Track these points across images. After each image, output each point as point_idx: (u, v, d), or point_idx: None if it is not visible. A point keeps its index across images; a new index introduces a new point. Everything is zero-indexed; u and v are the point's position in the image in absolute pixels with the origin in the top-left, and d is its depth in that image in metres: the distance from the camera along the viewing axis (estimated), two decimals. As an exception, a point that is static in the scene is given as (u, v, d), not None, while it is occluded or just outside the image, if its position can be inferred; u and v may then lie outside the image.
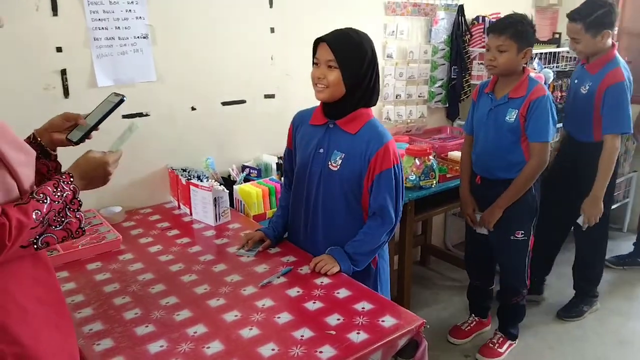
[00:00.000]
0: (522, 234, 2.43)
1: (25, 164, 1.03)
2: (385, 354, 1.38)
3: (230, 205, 2.21)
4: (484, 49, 3.27)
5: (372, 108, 1.78)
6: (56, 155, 1.28)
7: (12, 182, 0.99)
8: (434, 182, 2.62)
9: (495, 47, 2.23)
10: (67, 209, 1.08)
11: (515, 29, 2.20)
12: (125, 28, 2.12)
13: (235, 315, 1.47)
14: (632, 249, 3.60)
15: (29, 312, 1.03)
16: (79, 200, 1.11)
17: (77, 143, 1.24)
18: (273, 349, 1.32)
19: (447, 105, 3.45)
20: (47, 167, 1.26)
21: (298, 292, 1.60)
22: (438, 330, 2.84)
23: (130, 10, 2.11)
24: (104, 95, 1.34)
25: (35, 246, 1.02)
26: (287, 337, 1.37)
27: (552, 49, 3.48)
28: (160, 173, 2.38)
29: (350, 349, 1.32)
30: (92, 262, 1.82)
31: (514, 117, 2.28)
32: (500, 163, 2.37)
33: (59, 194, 1.06)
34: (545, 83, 2.86)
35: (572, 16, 2.56)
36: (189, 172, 2.29)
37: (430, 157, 2.60)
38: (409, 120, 3.27)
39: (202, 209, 2.16)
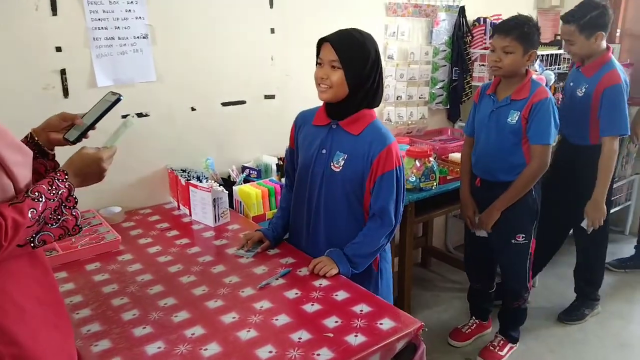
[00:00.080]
0: (523, 237, 2.42)
1: (22, 165, 1.03)
2: (383, 357, 1.37)
3: (229, 206, 2.20)
4: (485, 51, 3.29)
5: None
6: (54, 155, 1.28)
7: (8, 182, 0.99)
8: (435, 183, 2.61)
9: (501, 48, 2.22)
10: (63, 206, 1.08)
11: (521, 31, 2.19)
12: (125, 28, 2.11)
13: (233, 317, 1.46)
14: (633, 252, 3.59)
15: (27, 312, 1.03)
16: (75, 198, 1.11)
17: (74, 142, 1.23)
18: (270, 351, 1.31)
19: (448, 107, 3.45)
20: (44, 166, 1.26)
21: (296, 294, 1.59)
22: (438, 333, 2.83)
23: (130, 10, 2.11)
24: (103, 95, 1.34)
25: (32, 244, 1.01)
26: (285, 339, 1.36)
27: (554, 50, 3.47)
28: (160, 173, 2.38)
29: (348, 352, 1.31)
30: (91, 262, 1.82)
31: (516, 119, 2.27)
32: (501, 165, 2.36)
33: (54, 191, 1.05)
34: (546, 85, 2.84)
35: (566, 18, 2.58)
36: (188, 173, 2.29)
37: (431, 158, 2.60)
38: (409, 122, 3.26)
39: (202, 209, 2.15)
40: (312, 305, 1.53)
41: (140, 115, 2.24)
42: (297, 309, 1.51)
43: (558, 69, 3.47)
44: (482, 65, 3.32)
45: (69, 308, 1.49)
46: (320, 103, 1.79)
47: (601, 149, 2.54)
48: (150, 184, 2.36)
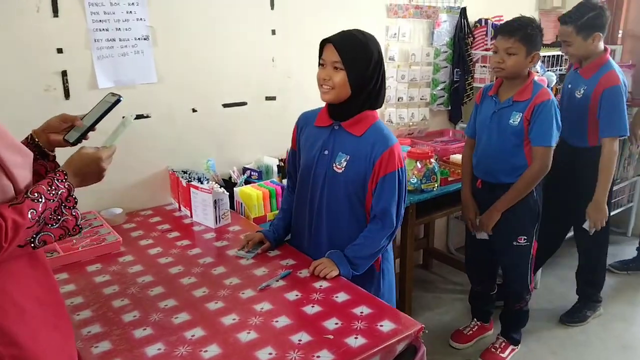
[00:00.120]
0: (524, 239, 2.41)
1: (22, 166, 1.03)
2: (384, 359, 1.37)
3: (230, 208, 2.20)
4: (486, 52, 3.28)
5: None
6: (54, 156, 1.28)
7: (8, 184, 0.99)
8: (436, 185, 2.61)
9: (504, 49, 2.21)
10: (62, 206, 1.08)
11: (525, 32, 2.18)
12: (126, 29, 2.12)
13: (234, 319, 1.46)
14: (635, 253, 3.58)
15: (27, 313, 1.03)
16: (75, 198, 1.11)
17: (74, 144, 1.23)
18: (270, 353, 1.31)
19: (450, 108, 3.44)
20: (45, 168, 1.26)
21: (297, 295, 1.59)
22: (440, 335, 2.82)
23: (131, 12, 2.11)
24: (103, 96, 1.34)
25: (32, 245, 1.02)
26: (285, 341, 1.36)
27: (556, 52, 3.46)
28: (161, 175, 2.38)
29: (348, 354, 1.31)
30: (92, 264, 1.82)
31: (518, 120, 2.26)
32: (502, 166, 2.35)
33: (53, 192, 1.05)
34: (548, 86, 2.84)
35: (564, 19, 2.58)
36: (189, 174, 2.29)
37: (432, 160, 2.59)
38: (410, 123, 3.26)
39: (202, 211, 2.15)
40: (313, 307, 1.53)
41: (141, 116, 2.25)
42: (297, 311, 1.51)
43: (560, 70, 3.46)
44: (484, 66, 3.31)
45: (69, 309, 1.49)
46: (322, 104, 1.79)
47: (600, 150, 2.54)
48: (151, 185, 2.36)
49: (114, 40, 2.10)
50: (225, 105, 2.49)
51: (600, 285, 2.98)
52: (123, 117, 1.28)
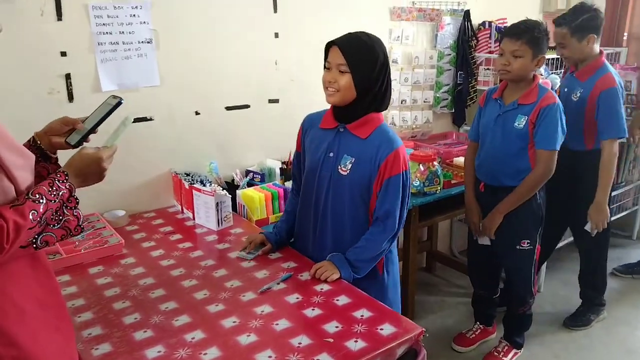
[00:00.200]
0: (527, 243, 2.40)
1: (23, 167, 1.04)
2: (384, 363, 1.37)
3: (233, 210, 2.21)
4: (490, 55, 3.28)
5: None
6: (56, 159, 1.29)
7: (9, 185, 1.00)
8: (439, 188, 2.61)
9: (511, 51, 2.21)
10: (64, 207, 1.09)
11: (532, 35, 2.18)
12: (130, 33, 2.13)
13: (234, 322, 1.46)
14: (640, 257, 3.56)
15: (27, 314, 1.04)
16: (76, 198, 1.12)
17: (75, 146, 1.24)
18: (270, 356, 1.31)
19: (453, 111, 3.43)
20: (47, 170, 1.27)
21: (297, 298, 1.59)
22: (443, 338, 2.81)
23: (134, 15, 2.12)
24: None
25: (34, 245, 1.03)
26: (285, 344, 1.36)
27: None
28: (164, 177, 2.39)
29: (348, 357, 1.31)
30: (94, 265, 1.83)
31: (523, 123, 2.25)
32: (505, 169, 2.34)
33: (54, 193, 1.06)
34: (551, 89, 2.83)
35: (558, 21, 2.59)
36: (192, 177, 2.30)
37: (435, 162, 2.59)
38: (414, 126, 3.26)
39: (205, 213, 2.16)
40: (313, 310, 1.53)
41: (144, 119, 2.26)
42: (297, 314, 1.51)
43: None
44: (487, 69, 3.31)
45: (71, 311, 1.50)
46: (325, 106, 1.79)
47: (597, 153, 2.54)
48: (154, 187, 2.37)
49: (117, 43, 2.11)
50: (228, 108, 2.49)
51: (602, 289, 2.97)
52: (126, 117, 1.29)
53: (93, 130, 1.26)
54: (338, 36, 1.67)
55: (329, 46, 1.69)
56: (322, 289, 1.64)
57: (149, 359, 1.31)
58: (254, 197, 2.24)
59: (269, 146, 2.64)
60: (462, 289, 3.33)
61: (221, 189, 2.19)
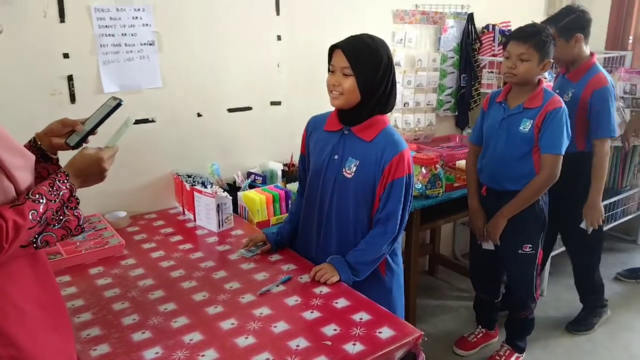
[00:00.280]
0: (530, 247, 2.39)
1: (23, 168, 1.04)
2: (382, 366, 1.36)
3: (234, 212, 2.21)
4: (494, 58, 3.27)
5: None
6: (57, 159, 1.29)
7: (9, 185, 1.01)
8: (441, 191, 2.60)
9: (517, 55, 2.20)
10: (64, 207, 1.09)
11: (539, 39, 2.17)
12: (132, 35, 2.13)
13: (232, 324, 1.46)
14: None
15: (26, 315, 1.04)
16: (77, 198, 1.12)
17: (75, 147, 1.25)
18: (267, 359, 1.31)
19: (456, 114, 3.43)
20: (47, 170, 1.27)
21: (296, 301, 1.59)
22: (444, 341, 2.80)
23: (136, 17, 2.13)
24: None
25: (34, 245, 1.03)
26: (283, 346, 1.36)
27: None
28: (166, 178, 2.39)
29: (346, 360, 1.31)
30: (95, 266, 1.83)
31: (529, 127, 2.24)
32: (508, 173, 2.33)
33: (55, 193, 1.07)
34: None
35: (545, 23, 2.58)
36: (193, 178, 2.30)
37: (437, 165, 2.58)
38: (417, 129, 3.25)
39: (206, 215, 2.16)
40: (312, 312, 1.52)
41: (146, 121, 2.26)
42: (296, 316, 1.51)
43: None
44: (491, 72, 3.30)
45: (70, 311, 1.50)
46: (328, 109, 1.79)
47: (587, 155, 2.56)
48: (156, 188, 2.37)
49: (119, 45, 2.12)
50: (230, 110, 2.50)
51: (601, 290, 2.95)
52: (127, 119, 1.30)
53: (92, 131, 1.27)
54: (341, 39, 1.67)
55: (332, 49, 1.68)
56: (321, 291, 1.64)
57: (147, 360, 1.31)
58: (255, 199, 2.24)
59: (271, 148, 2.64)
60: (464, 292, 3.31)
61: (222, 190, 2.19)
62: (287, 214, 2.04)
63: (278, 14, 2.53)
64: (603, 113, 2.53)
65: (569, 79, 2.67)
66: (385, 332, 1.42)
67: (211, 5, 2.32)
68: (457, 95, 3.36)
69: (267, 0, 2.49)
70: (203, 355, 1.32)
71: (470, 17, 3.26)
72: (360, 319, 1.49)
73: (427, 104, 3.25)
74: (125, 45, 2.13)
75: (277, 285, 1.67)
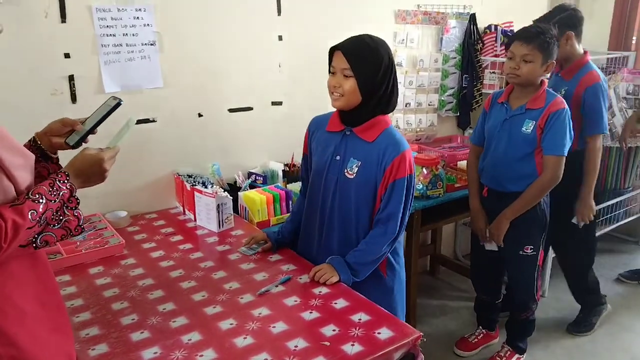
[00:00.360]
0: (531, 249, 2.38)
1: (23, 167, 1.05)
2: (380, 367, 1.36)
3: (234, 212, 2.21)
4: (496, 58, 3.26)
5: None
6: (57, 159, 1.30)
7: (9, 185, 1.01)
8: (442, 191, 2.59)
9: (521, 56, 2.19)
10: (64, 207, 1.09)
11: (543, 40, 2.16)
12: (133, 35, 2.14)
13: (231, 324, 1.46)
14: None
15: (26, 314, 1.04)
16: (77, 198, 1.12)
17: (74, 147, 1.25)
18: (266, 359, 1.31)
19: (458, 114, 3.42)
20: (47, 170, 1.28)
21: (295, 301, 1.59)
22: (445, 342, 2.80)
23: (138, 18, 2.13)
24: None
25: (34, 245, 1.03)
26: (281, 347, 1.36)
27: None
28: (167, 178, 2.40)
29: (344, 361, 1.30)
30: (95, 266, 1.83)
31: (531, 128, 2.23)
32: (509, 174, 2.33)
33: (55, 193, 1.07)
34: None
35: (536, 22, 2.58)
36: (194, 178, 2.30)
37: (438, 166, 2.58)
38: (418, 129, 3.25)
39: (206, 215, 2.16)
40: (311, 313, 1.52)
41: (147, 121, 2.27)
42: (295, 317, 1.51)
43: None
44: (493, 72, 3.29)
45: (69, 311, 1.50)
46: (328, 109, 1.79)
47: (579, 155, 2.55)
48: (156, 188, 2.38)
49: (120, 45, 2.12)
50: (231, 110, 2.50)
51: (596, 289, 2.95)
52: (129, 119, 1.30)
53: (92, 131, 1.27)
54: (342, 39, 1.67)
55: (332, 50, 1.68)
56: (320, 292, 1.64)
57: (145, 360, 1.31)
58: (256, 199, 2.24)
59: (271, 148, 2.64)
60: (465, 292, 3.31)
61: (223, 190, 2.19)
62: (289, 214, 2.04)
63: (279, 14, 2.53)
64: (596, 110, 2.53)
65: (562, 77, 2.67)
66: (384, 333, 1.42)
67: (212, 5, 2.33)
68: (459, 96, 3.36)
69: (269, 1, 2.49)
70: (201, 355, 1.32)
71: (473, 18, 3.25)
72: (359, 319, 1.49)
73: (429, 105, 3.25)
74: (126, 45, 2.13)
75: (277, 286, 1.67)
